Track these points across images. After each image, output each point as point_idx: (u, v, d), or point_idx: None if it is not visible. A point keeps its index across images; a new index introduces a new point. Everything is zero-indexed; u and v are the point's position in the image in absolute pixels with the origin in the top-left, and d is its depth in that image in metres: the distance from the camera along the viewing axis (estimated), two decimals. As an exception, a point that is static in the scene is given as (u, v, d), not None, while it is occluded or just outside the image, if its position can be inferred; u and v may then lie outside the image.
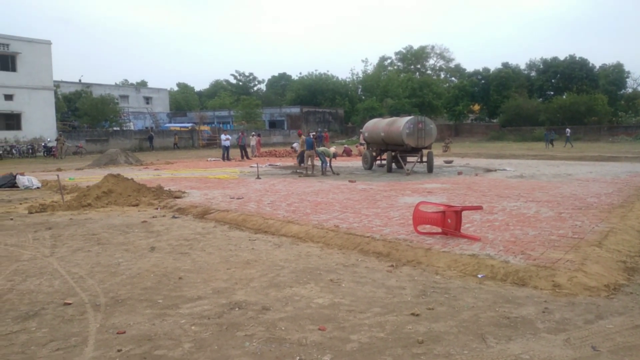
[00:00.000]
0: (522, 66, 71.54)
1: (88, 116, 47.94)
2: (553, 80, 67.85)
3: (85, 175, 19.30)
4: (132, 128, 54.24)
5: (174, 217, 10.34)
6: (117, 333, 4.35)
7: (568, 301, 5.01)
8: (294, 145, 34.30)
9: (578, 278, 5.49)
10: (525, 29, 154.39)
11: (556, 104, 59.53)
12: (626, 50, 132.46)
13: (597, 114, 56.87)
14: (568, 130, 43.26)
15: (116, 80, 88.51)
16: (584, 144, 45.18)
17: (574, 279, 5.47)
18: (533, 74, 70.55)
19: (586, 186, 13.68)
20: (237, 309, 4.93)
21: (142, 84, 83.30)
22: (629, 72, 64.93)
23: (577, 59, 65.67)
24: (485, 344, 4.05)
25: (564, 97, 61.98)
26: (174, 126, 55.03)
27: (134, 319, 4.68)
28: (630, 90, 66.07)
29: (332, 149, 21.82)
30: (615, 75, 63.28)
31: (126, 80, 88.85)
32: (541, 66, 69.47)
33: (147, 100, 71.19)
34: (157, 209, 11.37)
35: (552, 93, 67.82)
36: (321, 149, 20.23)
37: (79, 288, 5.63)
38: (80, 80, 63.12)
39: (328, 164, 19.36)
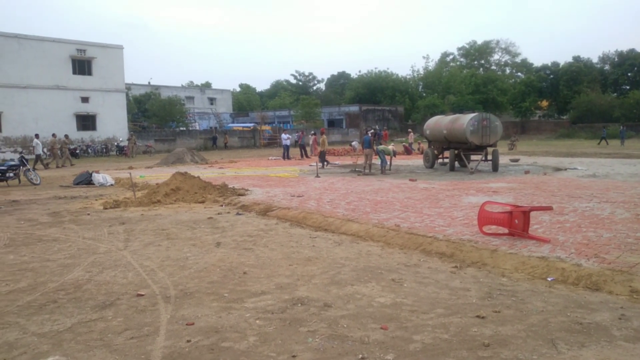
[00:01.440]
0: (595, 59, 67.62)
1: (157, 117, 50.30)
2: (629, 74, 63.54)
3: (154, 173, 20.25)
4: (197, 128, 56.30)
5: (238, 214, 10.64)
6: (187, 324, 4.54)
7: (648, 308, 4.70)
8: (353, 143, 34.34)
9: (659, 284, 5.13)
10: (598, 20, 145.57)
11: (632, 98, 55.67)
12: None
13: (679, 110, 52.70)
14: (622, 127, 41.34)
15: (182, 82, 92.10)
16: (665, 141, 42.01)
17: (655, 285, 5.12)
18: (607, 67, 66.43)
19: (668, 186, 12.73)
20: (299, 304, 5.01)
21: (207, 85, 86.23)
22: None
23: (656, 50, 61.18)
24: (556, 350, 3.88)
25: (642, 91, 57.89)
26: (237, 126, 56.57)
27: (201, 311, 4.87)
28: None
29: (391, 147, 21.63)
30: (701, 66, 58.44)
31: (192, 81, 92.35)
32: (616, 59, 65.25)
33: (211, 101, 73.63)
34: (222, 205, 11.74)
35: (628, 87, 63.50)
36: (381, 147, 20.09)
37: (151, 280, 5.93)
38: (149, 83, 66.42)
39: (388, 163, 19.20)
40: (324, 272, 6.12)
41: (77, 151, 35.38)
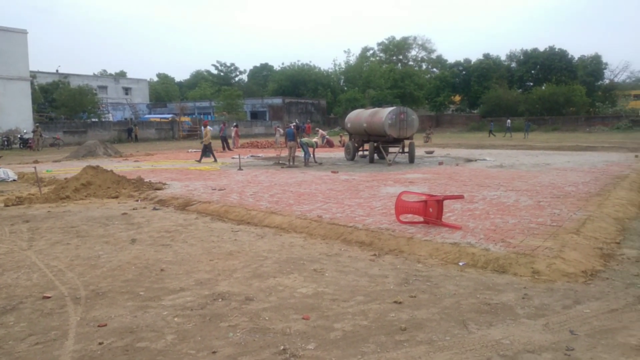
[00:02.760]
0: (503, 57, 72.22)
1: (65, 107, 46.98)
2: (533, 71, 68.54)
3: (63, 168, 18.95)
4: (111, 119, 53.37)
5: (154, 209, 10.23)
6: (99, 326, 4.30)
7: (547, 287, 5.11)
8: (279, 129, 34.82)
9: (556, 265, 5.60)
10: (506, 20, 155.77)
11: (535, 94, 60.26)
12: (604, 42, 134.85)
13: (575, 105, 57.76)
14: (508, 121, 45.80)
15: (95, 71, 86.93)
16: (562, 134, 45.90)
17: (553, 265, 5.58)
18: (513, 65, 71.16)
19: (564, 175, 13.91)
20: (220, 299, 4.91)
21: (121, 75, 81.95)
22: (606, 64, 66.05)
23: (556, 50, 66.37)
24: (467, 330, 4.11)
25: (543, 88, 62.77)
26: (154, 117, 54.29)
27: (115, 312, 4.63)
28: (607, 81, 67.18)
29: (315, 140, 21.82)
30: (593, 66, 64.26)
31: (105, 70, 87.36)
32: (521, 57, 70.08)
33: (127, 91, 70.08)
34: (137, 200, 11.24)
35: (531, 84, 68.49)
36: (304, 139, 20.20)
37: (58, 281, 5.55)
38: (57, 71, 61.79)
39: (311, 155, 19.35)
40: (246, 266, 6.05)
41: (-27, 144, 32.27)
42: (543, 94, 59.31)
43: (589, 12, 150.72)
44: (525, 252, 6.04)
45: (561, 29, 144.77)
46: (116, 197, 11.66)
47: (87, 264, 6.25)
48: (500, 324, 4.23)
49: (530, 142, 34.08)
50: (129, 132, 43.10)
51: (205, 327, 4.27)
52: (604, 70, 66.24)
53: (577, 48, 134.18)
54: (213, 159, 21.20)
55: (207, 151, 21.48)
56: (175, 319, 4.45)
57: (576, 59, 66.10)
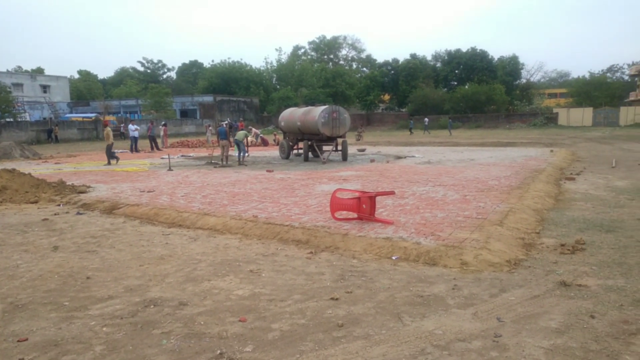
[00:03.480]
0: (429, 57, 74.98)
1: (-26, 106, 43.40)
2: (457, 71, 71.68)
3: (-27, 172, 17.47)
4: (27, 119, 49.88)
5: (78, 213, 9.68)
6: (18, 341, 4.00)
7: (475, 277, 5.36)
8: (210, 128, 34.24)
9: (483, 255, 5.88)
10: (432, 22, 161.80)
11: (459, 93, 63.20)
12: (520, 43, 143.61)
13: (496, 103, 61.10)
14: (426, 119, 48.12)
15: (8, 67, 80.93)
16: (485, 131, 48.43)
17: (479, 256, 5.86)
18: (438, 65, 74.06)
19: (487, 170, 14.67)
20: (152, 306, 4.73)
21: (39, 72, 76.89)
22: (523, 64, 70.24)
23: (477, 51, 69.78)
24: (402, 323, 4.22)
25: (467, 87, 65.87)
26: (76, 116, 51.38)
27: (37, 325, 4.33)
28: (524, 80, 71.56)
29: (250, 138, 21.56)
30: (511, 66, 68.16)
31: (20, 67, 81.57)
32: (446, 57, 73.08)
33: (45, 89, 65.87)
34: (59, 205, 10.58)
35: (455, 83, 71.71)
36: (239, 134, 19.78)
37: (-30, 295, 5.10)
38: (-37, 67, 56.90)
39: (246, 153, 19.12)
40: (178, 270, 5.87)
41: None
42: (466, 92, 62.28)
43: (505, 15, 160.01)
44: (453, 245, 6.30)
45: (482, 31, 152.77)
46: (35, 202, 10.91)
47: (3, 274, 5.79)
48: (433, 315, 4.38)
49: (455, 138, 35.64)
50: (49, 133, 40.51)
51: (136, 335, 4.09)
52: (521, 70, 70.49)
53: (496, 49, 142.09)
54: (115, 161, 19.83)
55: (109, 152, 19.94)
56: (104, 328, 4.23)
57: (496, 59, 69.87)
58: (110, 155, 19.90)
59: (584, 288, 4.92)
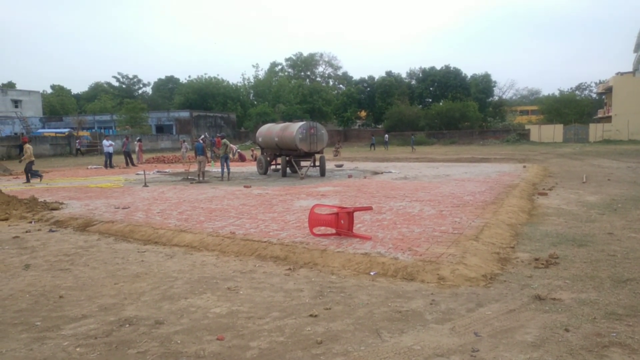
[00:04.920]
0: (404, 75, 76.22)
1: (-59, 121, 42.20)
2: (431, 89, 73.04)
3: (-61, 188, 16.92)
4: (-3, 134, 48.70)
5: (51, 230, 9.45)
6: (-14, 364, 3.87)
7: (452, 292, 5.41)
8: (185, 144, 33.87)
9: (459, 270, 5.95)
10: (407, 40, 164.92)
11: (434, 110, 64.37)
12: (492, 62, 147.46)
13: (470, 120, 62.36)
14: (386, 135, 51.44)
15: (-24, 81, 78.88)
16: (459, 147, 49.26)
17: (456, 271, 5.93)
18: (413, 82, 75.36)
19: (462, 185, 14.90)
20: (127, 325, 4.63)
21: (10, 86, 75.23)
22: (495, 82, 72.12)
23: (451, 69, 71.36)
24: (380, 339, 4.22)
25: (441, 104, 67.10)
26: (49, 132, 50.39)
27: (7, 346, 4.19)
28: (496, 98, 73.35)
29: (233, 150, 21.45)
30: (484, 84, 69.82)
31: (-11, 81, 79.70)
32: (420, 75, 74.46)
33: (16, 103, 64.42)
34: (31, 222, 10.32)
35: (430, 100, 72.98)
36: (224, 143, 19.61)
37: None
38: None
39: (228, 170, 19.03)
40: (154, 288, 5.77)
41: None
42: (441, 109, 63.45)
43: (477, 35, 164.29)
44: (431, 260, 6.35)
45: (455, 49, 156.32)
46: (6, 219, 10.61)
47: (-30, 295, 5.60)
48: (411, 330, 4.40)
49: (430, 154, 36.12)
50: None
51: (111, 355, 4.00)
52: (494, 88, 72.28)
53: (469, 67, 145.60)
54: (26, 180, 18.75)
55: (29, 170, 18.87)
56: (78, 349, 4.12)
57: (469, 77, 71.48)
58: (32, 174, 18.95)
59: (558, 302, 5.01)
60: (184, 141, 36.09)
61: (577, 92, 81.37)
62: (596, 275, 5.87)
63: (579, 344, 4.02)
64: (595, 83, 79.55)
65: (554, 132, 55.60)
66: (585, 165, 23.03)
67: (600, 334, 4.21)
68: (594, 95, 78.01)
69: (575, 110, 61.73)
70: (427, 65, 75.02)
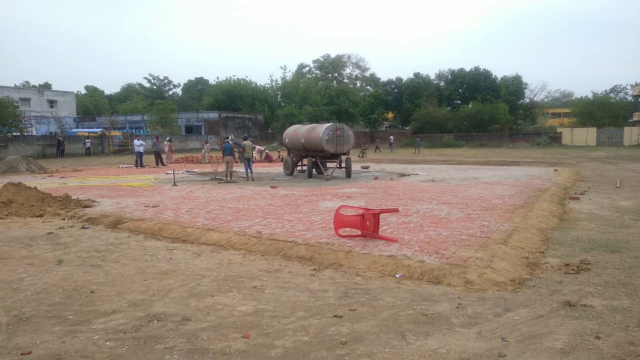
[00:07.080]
0: (432, 76, 75.52)
1: (-17, 120, 43.82)
2: (460, 90, 72.17)
3: (-21, 185, 17.59)
4: (34, 133, 50.31)
5: (83, 227, 9.72)
6: (22, 354, 4.00)
7: (479, 296, 5.34)
8: (207, 146, 33.81)
9: (487, 274, 5.86)
10: (436, 42, 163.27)
11: (463, 112, 63.55)
12: (524, 63, 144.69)
13: (499, 122, 61.38)
14: (391, 137, 52.59)
15: (16, 82, 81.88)
16: (488, 150, 48.49)
17: (484, 275, 5.84)
18: (442, 83, 74.59)
19: (491, 189, 14.66)
20: (155, 321, 4.72)
21: (46, 87, 77.81)
22: (526, 84, 70.81)
23: (481, 70, 70.36)
24: (405, 341, 4.20)
25: (470, 106, 66.22)
26: (82, 131, 51.80)
27: (40, 338, 4.33)
28: (527, 100, 71.94)
29: (254, 154, 21.66)
30: (515, 86, 68.61)
31: (27, 82, 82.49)
32: (449, 77, 73.65)
33: (52, 103, 66.52)
34: (64, 219, 10.63)
35: (459, 102, 72.10)
36: (247, 144, 19.72)
37: (-25, 308, 5.12)
38: (-28, 82, 57.54)
39: (252, 170, 19.21)
40: (182, 285, 5.87)
41: None
42: (470, 111, 62.61)
43: (508, 35, 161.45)
44: (457, 263, 6.28)
45: (485, 50, 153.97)
46: (41, 215, 10.97)
47: (8, 287, 5.82)
48: (437, 333, 4.36)
49: (459, 157, 35.64)
50: (57, 147, 40.93)
51: (139, 350, 4.09)
52: (525, 90, 70.94)
53: (499, 69, 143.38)
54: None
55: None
56: (107, 342, 4.23)
57: (499, 79, 70.35)
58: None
59: (589, 308, 4.89)
60: (206, 142, 36.06)
61: (611, 94, 79.26)
62: (629, 282, 5.70)
63: (611, 352, 3.91)
64: (631, 85, 77.30)
65: (587, 135, 54.23)
66: (619, 170, 22.37)
67: (633, 342, 4.09)
68: (630, 98, 75.72)
69: (610, 113, 60.12)
70: (456, 67, 74.27)
